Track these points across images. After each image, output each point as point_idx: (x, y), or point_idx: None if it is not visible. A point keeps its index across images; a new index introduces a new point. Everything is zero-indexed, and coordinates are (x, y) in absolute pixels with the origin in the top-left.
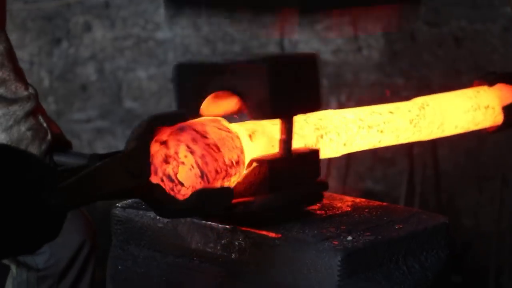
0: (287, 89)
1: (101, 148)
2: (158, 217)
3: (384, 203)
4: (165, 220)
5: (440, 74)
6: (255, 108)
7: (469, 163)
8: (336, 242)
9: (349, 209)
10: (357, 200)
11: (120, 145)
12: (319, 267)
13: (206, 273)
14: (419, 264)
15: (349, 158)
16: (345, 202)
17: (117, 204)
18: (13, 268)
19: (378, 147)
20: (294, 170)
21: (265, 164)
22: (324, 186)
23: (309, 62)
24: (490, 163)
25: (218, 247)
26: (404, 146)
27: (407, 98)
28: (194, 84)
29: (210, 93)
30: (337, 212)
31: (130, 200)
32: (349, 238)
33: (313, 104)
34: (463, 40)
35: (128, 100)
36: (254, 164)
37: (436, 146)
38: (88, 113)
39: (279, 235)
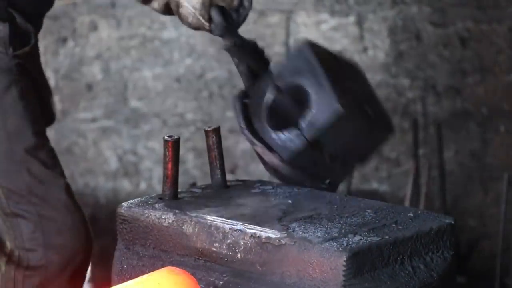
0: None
1: (106, 147)
2: (163, 217)
3: (390, 204)
4: (171, 219)
5: (446, 74)
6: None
7: (474, 164)
8: (341, 242)
9: (354, 209)
10: (362, 200)
11: (126, 144)
12: (325, 267)
13: (211, 273)
14: (424, 264)
15: None
16: (350, 203)
17: (123, 204)
18: (2, 264)
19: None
20: None
21: None
22: None
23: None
24: (496, 164)
25: (224, 247)
26: (409, 146)
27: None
28: None
29: None
30: (343, 212)
31: (135, 200)
32: (355, 238)
33: None
34: (468, 40)
35: (134, 100)
36: None
37: (442, 147)
38: (93, 113)
39: (285, 235)
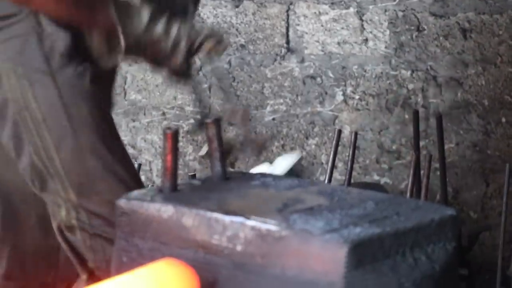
0: None
1: None
2: (162, 209)
3: (391, 195)
4: (170, 212)
5: (447, 65)
6: None
7: (475, 156)
8: (342, 234)
9: (355, 201)
10: (363, 192)
11: (125, 137)
12: (326, 258)
13: (211, 265)
14: (426, 256)
15: (355, 151)
16: (351, 194)
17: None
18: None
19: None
20: None
21: None
22: None
23: None
24: (497, 155)
25: (224, 239)
26: (410, 138)
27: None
28: None
29: None
30: (343, 204)
31: (134, 192)
32: (356, 229)
33: None
34: (470, 31)
35: (132, 92)
36: None
37: (443, 138)
38: None
39: (285, 227)
